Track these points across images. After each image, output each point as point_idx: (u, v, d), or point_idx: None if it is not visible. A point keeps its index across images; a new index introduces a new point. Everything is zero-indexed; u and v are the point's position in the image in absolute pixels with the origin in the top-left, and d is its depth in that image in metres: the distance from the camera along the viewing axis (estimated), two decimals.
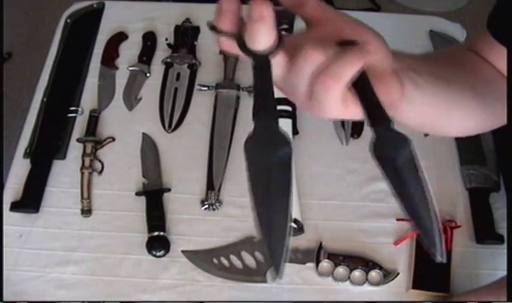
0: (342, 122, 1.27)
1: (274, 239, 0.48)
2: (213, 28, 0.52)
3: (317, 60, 0.50)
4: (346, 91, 0.50)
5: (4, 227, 1.10)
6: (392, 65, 0.55)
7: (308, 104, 0.53)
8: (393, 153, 0.50)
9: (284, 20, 1.42)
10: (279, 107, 1.22)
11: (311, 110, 0.53)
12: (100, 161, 1.20)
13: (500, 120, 0.74)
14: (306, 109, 0.54)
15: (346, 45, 0.51)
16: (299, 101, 0.54)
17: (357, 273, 1.06)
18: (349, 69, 0.49)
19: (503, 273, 1.03)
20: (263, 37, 0.49)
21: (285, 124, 1.22)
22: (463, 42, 0.85)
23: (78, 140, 1.22)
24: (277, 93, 1.12)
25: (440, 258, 0.49)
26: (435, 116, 0.66)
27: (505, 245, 1.09)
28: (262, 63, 0.50)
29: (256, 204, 0.48)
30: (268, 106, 0.50)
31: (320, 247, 1.08)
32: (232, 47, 0.52)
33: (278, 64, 0.52)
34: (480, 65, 0.77)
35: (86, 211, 1.13)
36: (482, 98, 0.72)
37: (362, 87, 0.51)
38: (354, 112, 0.52)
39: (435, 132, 0.74)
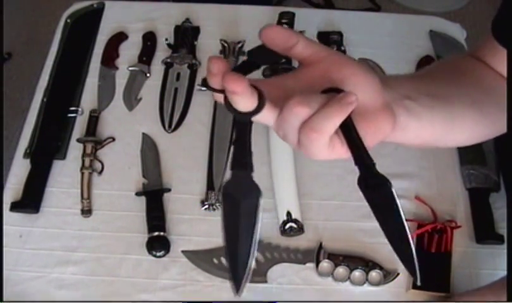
0: None
1: (237, 267, 0.59)
2: (204, 83, 0.55)
3: (301, 113, 0.52)
4: (331, 137, 0.53)
5: (4, 227, 1.10)
6: (383, 99, 0.57)
7: (298, 148, 0.56)
8: (373, 193, 0.56)
9: (284, 19, 1.42)
10: None
11: (303, 153, 0.56)
12: (100, 161, 1.20)
13: (502, 128, 0.75)
14: (299, 151, 0.56)
15: (331, 92, 0.54)
16: (291, 145, 0.56)
17: (357, 273, 1.06)
18: (332, 122, 0.52)
19: (503, 272, 1.03)
20: (241, 105, 0.52)
21: None
22: (467, 50, 0.85)
23: (78, 140, 1.22)
24: None
25: (419, 283, 0.59)
26: (434, 135, 0.67)
27: (505, 245, 1.09)
28: (243, 120, 0.55)
29: (225, 239, 0.57)
30: (244, 159, 0.57)
31: (320, 247, 1.08)
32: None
33: (269, 114, 0.55)
34: (482, 73, 0.76)
35: (86, 211, 1.13)
36: (484, 109, 0.72)
37: (347, 130, 0.54)
38: (341, 152, 0.55)
39: (437, 146, 0.75)
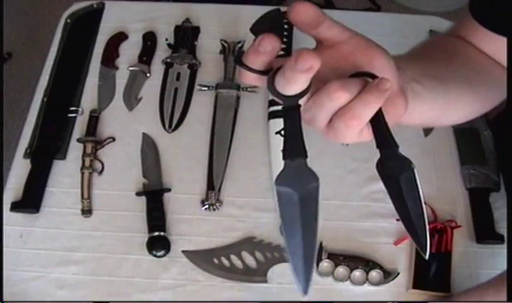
0: None
1: (302, 265, 0.54)
2: (241, 62, 0.52)
3: (341, 98, 0.52)
4: None
5: (5, 227, 1.11)
6: (399, 82, 0.57)
7: (326, 132, 0.55)
8: (397, 174, 0.55)
9: (284, 19, 1.42)
10: (279, 107, 1.22)
11: (327, 136, 0.56)
12: (100, 161, 1.20)
13: (492, 103, 0.79)
14: (323, 134, 0.56)
15: (360, 76, 0.54)
16: (316, 128, 0.56)
17: (357, 273, 1.06)
18: (372, 109, 0.52)
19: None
20: (300, 85, 0.51)
21: None
22: (447, 29, 0.86)
23: (78, 140, 1.22)
24: None
25: (427, 257, 0.56)
26: (434, 116, 0.69)
27: (505, 245, 1.09)
28: (291, 105, 0.53)
29: (286, 234, 0.53)
30: (298, 147, 0.53)
31: (321, 247, 1.08)
32: (255, 81, 0.53)
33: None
34: (471, 53, 0.79)
35: (87, 211, 1.13)
36: (475, 87, 0.74)
37: (375, 116, 0.54)
38: (367, 136, 0.56)
39: (434, 125, 0.77)
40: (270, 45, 0.50)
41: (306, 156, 0.53)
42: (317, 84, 0.53)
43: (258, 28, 0.56)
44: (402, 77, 0.59)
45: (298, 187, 0.53)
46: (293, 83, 0.50)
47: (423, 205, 0.56)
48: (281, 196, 0.53)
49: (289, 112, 0.53)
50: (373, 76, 0.54)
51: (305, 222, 0.53)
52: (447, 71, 0.71)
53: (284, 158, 0.53)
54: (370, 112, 0.52)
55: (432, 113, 0.67)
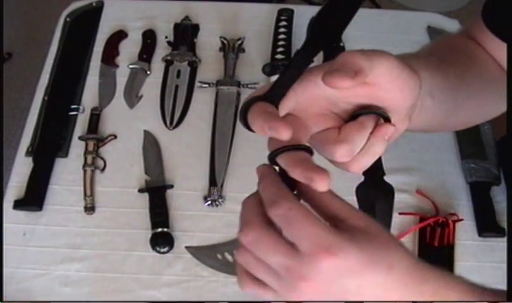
0: None
1: None
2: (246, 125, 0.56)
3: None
4: None
5: (8, 225, 1.11)
6: (407, 114, 0.59)
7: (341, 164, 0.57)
8: (374, 199, 0.55)
9: (283, 16, 1.42)
10: None
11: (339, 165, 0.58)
12: (102, 158, 1.21)
13: (496, 112, 0.78)
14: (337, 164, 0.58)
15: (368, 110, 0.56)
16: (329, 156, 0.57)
17: None
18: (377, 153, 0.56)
19: (505, 265, 1.04)
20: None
21: None
22: (460, 29, 0.86)
23: (80, 138, 1.23)
24: None
25: None
26: (433, 125, 0.70)
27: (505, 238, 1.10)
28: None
29: None
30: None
31: None
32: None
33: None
34: (484, 61, 0.78)
35: (90, 209, 1.13)
36: (485, 96, 0.75)
37: None
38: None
39: (430, 132, 0.77)
40: (279, 135, 0.51)
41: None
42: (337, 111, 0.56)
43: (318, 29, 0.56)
44: (420, 94, 0.59)
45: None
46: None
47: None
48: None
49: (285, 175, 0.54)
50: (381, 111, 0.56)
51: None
52: (462, 80, 0.71)
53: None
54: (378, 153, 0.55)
55: (432, 123, 0.68)
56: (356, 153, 0.55)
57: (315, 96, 0.56)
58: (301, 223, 0.49)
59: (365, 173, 0.56)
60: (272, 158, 0.54)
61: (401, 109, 0.57)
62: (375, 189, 0.54)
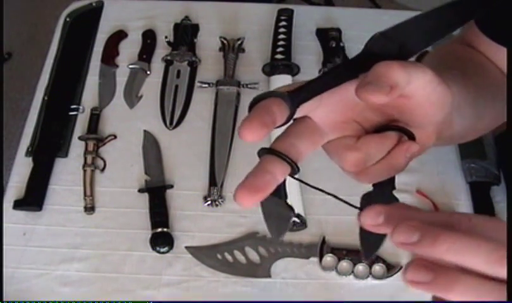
0: None
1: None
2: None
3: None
4: None
5: (8, 225, 1.11)
6: (437, 127, 0.57)
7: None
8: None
9: (283, 16, 1.42)
10: None
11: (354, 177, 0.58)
12: (102, 158, 1.21)
13: (497, 123, 0.78)
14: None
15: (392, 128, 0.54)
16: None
17: (360, 267, 1.06)
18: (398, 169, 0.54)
19: None
20: None
21: None
22: (455, 38, 0.85)
23: (80, 138, 1.23)
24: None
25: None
26: (452, 138, 0.68)
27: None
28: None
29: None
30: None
31: (324, 241, 1.09)
32: None
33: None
34: (486, 65, 0.78)
35: (90, 209, 1.13)
36: (496, 101, 0.74)
37: None
38: None
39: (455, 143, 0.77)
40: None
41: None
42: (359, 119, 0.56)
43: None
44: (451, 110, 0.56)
45: None
46: None
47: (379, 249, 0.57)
48: None
49: None
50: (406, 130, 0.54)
51: None
52: (479, 93, 0.69)
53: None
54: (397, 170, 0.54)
55: (454, 138, 0.67)
56: (371, 165, 0.53)
57: (341, 102, 0.54)
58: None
59: (375, 184, 0.56)
60: (259, 154, 0.54)
61: (430, 124, 0.55)
62: (380, 201, 0.53)
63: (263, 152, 0.53)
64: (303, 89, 0.52)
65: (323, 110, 0.54)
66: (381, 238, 0.54)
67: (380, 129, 0.55)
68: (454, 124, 0.61)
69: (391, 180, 0.55)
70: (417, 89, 0.50)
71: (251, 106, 0.50)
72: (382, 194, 0.55)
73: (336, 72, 0.53)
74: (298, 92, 0.51)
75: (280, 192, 0.53)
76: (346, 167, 0.54)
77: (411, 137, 0.54)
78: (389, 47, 0.51)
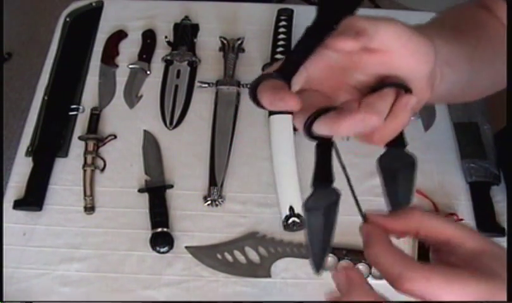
0: None
1: (318, 247, 0.59)
2: (256, 101, 0.55)
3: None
4: None
5: (8, 225, 1.11)
6: (428, 82, 0.59)
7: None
8: (397, 170, 0.58)
9: (283, 16, 1.42)
10: None
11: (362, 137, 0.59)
12: (102, 158, 1.21)
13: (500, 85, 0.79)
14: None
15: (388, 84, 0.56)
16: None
17: (360, 267, 1.06)
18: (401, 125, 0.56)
19: None
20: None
21: (286, 120, 1.22)
22: None
23: (80, 138, 1.23)
24: None
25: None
26: (452, 95, 0.70)
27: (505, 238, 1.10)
28: (326, 143, 0.56)
29: (309, 237, 0.57)
30: (327, 174, 0.56)
31: None
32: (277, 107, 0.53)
33: None
34: (493, 27, 0.78)
35: (90, 208, 1.13)
36: (497, 66, 0.75)
37: None
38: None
39: (446, 102, 0.78)
40: (287, 106, 0.51)
41: (333, 181, 0.56)
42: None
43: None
44: (436, 61, 0.59)
45: (323, 204, 0.56)
46: (328, 131, 0.53)
47: (412, 199, 0.59)
48: (310, 217, 0.56)
49: (323, 147, 0.56)
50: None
51: (326, 230, 0.58)
52: (476, 50, 0.71)
53: (313, 184, 0.56)
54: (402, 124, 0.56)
55: (452, 92, 0.68)
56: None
57: (327, 67, 0.56)
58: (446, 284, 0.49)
59: (387, 145, 0.57)
60: (309, 127, 0.54)
61: (420, 77, 0.57)
62: (397, 160, 0.55)
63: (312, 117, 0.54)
64: (286, 63, 0.54)
65: (316, 80, 0.57)
66: None
67: (376, 88, 0.56)
68: (446, 77, 0.63)
69: (401, 138, 0.57)
70: (390, 40, 0.54)
71: (253, 92, 0.54)
72: (395, 153, 0.58)
73: (305, 39, 0.54)
74: (283, 66, 0.54)
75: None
76: (359, 129, 0.54)
77: (408, 91, 0.56)
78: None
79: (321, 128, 0.53)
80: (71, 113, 1.28)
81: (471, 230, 0.52)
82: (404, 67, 0.56)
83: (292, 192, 1.14)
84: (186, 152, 1.23)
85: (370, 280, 1.04)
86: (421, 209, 0.54)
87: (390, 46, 0.54)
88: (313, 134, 0.54)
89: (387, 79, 0.56)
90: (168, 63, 1.37)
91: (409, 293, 0.50)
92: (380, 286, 1.08)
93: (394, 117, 0.54)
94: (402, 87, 0.56)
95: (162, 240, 1.08)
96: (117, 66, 1.38)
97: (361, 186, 1.17)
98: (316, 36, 0.54)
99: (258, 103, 0.54)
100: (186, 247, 1.09)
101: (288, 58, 0.54)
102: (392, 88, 0.55)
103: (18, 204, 1.13)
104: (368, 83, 0.57)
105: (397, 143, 0.57)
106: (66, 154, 1.22)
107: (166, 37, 1.40)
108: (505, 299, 0.47)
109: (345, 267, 0.57)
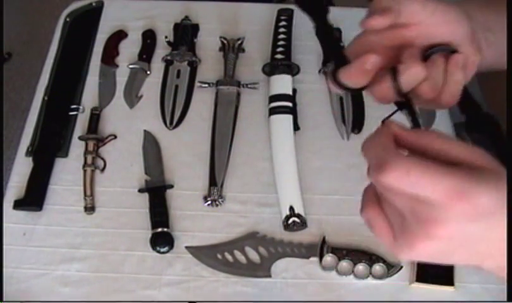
0: (343, 118, 1.27)
1: None
2: (338, 82, 0.61)
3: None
4: None
5: (8, 225, 1.11)
6: (473, 41, 0.64)
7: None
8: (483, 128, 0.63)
9: (283, 16, 1.42)
10: (280, 103, 1.23)
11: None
12: (102, 158, 1.21)
13: None
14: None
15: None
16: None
17: (360, 267, 1.06)
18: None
19: None
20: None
21: (286, 120, 1.22)
22: None
23: (80, 138, 1.23)
24: (278, 90, 1.15)
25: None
26: (500, 61, 0.73)
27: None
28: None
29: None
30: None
31: (324, 241, 1.09)
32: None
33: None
34: None
35: (90, 209, 1.13)
36: None
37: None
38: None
39: (492, 70, 0.80)
40: (373, 64, 0.58)
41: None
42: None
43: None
44: (476, 28, 0.64)
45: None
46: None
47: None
48: None
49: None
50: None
51: None
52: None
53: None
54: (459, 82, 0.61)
55: (502, 59, 0.71)
56: (440, 88, 0.61)
57: (373, 44, 0.62)
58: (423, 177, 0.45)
59: (462, 111, 0.66)
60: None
61: (461, 42, 0.62)
62: (478, 126, 0.61)
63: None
64: (337, 58, 0.62)
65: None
66: None
67: (426, 57, 0.61)
68: (491, 42, 0.68)
69: (472, 102, 0.63)
70: (416, 13, 0.60)
71: (335, 78, 0.61)
72: (474, 118, 0.62)
73: (323, 36, 0.66)
74: (338, 62, 0.61)
75: None
76: (425, 96, 0.61)
77: (455, 52, 0.61)
78: None
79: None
80: (71, 113, 1.28)
81: (479, 150, 0.49)
82: (440, 34, 0.61)
83: (292, 192, 1.14)
84: (186, 152, 1.23)
85: (370, 280, 1.05)
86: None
87: (419, 18, 0.60)
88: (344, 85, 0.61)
89: (433, 48, 0.61)
90: (168, 63, 1.37)
91: (389, 182, 0.46)
92: (381, 286, 1.08)
93: (451, 76, 0.60)
94: (448, 50, 0.61)
95: (162, 240, 1.08)
96: (117, 66, 1.38)
97: (362, 186, 1.16)
98: (324, 26, 0.63)
99: (341, 87, 0.61)
100: (186, 247, 1.09)
101: (334, 54, 0.62)
102: (439, 54, 0.60)
103: (18, 204, 1.13)
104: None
105: (471, 107, 0.62)
106: (66, 154, 1.22)
107: (166, 37, 1.40)
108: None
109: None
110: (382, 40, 0.62)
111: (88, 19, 1.48)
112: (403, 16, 0.60)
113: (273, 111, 1.24)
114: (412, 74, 0.59)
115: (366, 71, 0.58)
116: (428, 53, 0.61)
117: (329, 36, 0.64)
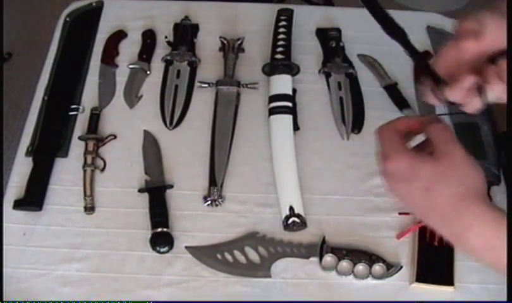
0: (343, 118, 1.27)
1: None
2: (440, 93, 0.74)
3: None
4: None
5: (8, 225, 1.11)
6: None
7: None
8: None
9: (283, 16, 1.42)
10: (280, 103, 1.23)
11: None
12: (102, 158, 1.21)
13: None
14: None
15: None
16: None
17: (360, 267, 1.06)
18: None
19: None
20: None
21: (286, 120, 1.22)
22: None
23: (80, 138, 1.23)
24: (278, 90, 1.15)
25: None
26: None
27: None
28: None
29: None
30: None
31: (323, 241, 1.09)
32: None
33: None
34: None
35: (90, 209, 1.13)
36: None
37: None
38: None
39: None
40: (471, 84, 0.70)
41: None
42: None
43: None
44: None
45: None
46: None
47: None
48: None
49: None
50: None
51: None
52: None
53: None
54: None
55: None
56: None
57: (460, 60, 0.72)
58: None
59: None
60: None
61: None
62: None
63: None
64: (434, 77, 0.74)
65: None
66: None
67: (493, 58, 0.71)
68: None
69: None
70: (496, 32, 0.70)
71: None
72: None
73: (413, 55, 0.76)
74: (435, 79, 0.74)
75: None
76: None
77: None
78: None
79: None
80: (71, 113, 1.28)
81: (451, 140, 0.71)
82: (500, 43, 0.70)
83: (292, 192, 1.14)
84: (186, 152, 1.23)
85: (370, 280, 1.05)
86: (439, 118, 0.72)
87: (498, 37, 0.70)
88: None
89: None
90: (168, 63, 1.37)
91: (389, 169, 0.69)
92: (381, 286, 1.08)
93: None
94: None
95: (162, 240, 1.08)
96: (117, 66, 1.38)
97: (362, 186, 1.17)
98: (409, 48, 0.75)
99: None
100: (186, 247, 1.09)
101: (429, 72, 0.75)
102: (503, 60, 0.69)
103: (18, 204, 1.13)
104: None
105: None
106: (66, 154, 1.22)
107: (166, 37, 1.40)
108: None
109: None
110: (470, 57, 0.72)
111: (88, 19, 1.48)
112: (488, 38, 0.70)
113: (273, 111, 1.24)
114: (496, 92, 0.70)
115: (466, 89, 0.70)
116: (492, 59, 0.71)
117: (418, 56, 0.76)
